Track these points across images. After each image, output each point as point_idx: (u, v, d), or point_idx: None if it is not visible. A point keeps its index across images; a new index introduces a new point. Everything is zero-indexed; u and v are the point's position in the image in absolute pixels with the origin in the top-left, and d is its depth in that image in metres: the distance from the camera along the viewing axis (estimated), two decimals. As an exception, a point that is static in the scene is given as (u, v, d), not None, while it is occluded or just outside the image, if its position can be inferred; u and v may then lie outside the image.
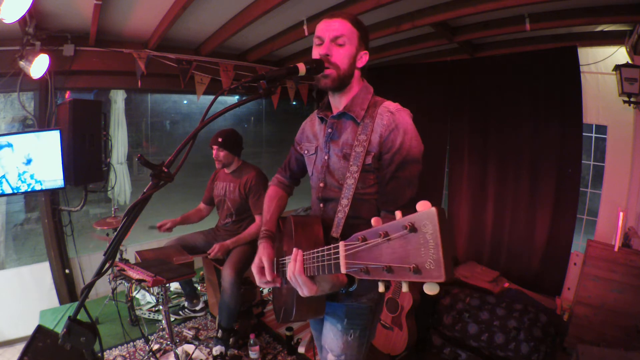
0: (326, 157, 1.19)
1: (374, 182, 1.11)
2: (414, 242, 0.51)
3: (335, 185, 1.16)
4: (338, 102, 1.17)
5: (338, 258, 0.69)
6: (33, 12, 2.19)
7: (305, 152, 1.30)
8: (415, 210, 0.99)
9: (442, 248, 0.47)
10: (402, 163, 1.06)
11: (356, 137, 1.10)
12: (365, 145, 1.08)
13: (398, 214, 0.55)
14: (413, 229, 0.51)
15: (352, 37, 1.09)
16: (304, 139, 1.32)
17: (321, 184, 1.20)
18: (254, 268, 1.18)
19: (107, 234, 2.68)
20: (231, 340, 2.44)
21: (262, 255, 1.17)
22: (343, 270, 0.66)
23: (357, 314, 1.17)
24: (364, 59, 1.13)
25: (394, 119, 1.07)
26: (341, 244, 0.66)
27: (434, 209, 0.48)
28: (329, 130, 1.18)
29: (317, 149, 1.24)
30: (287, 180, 1.45)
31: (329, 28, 1.08)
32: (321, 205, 1.20)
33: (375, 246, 0.58)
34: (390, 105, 1.12)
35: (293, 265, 0.90)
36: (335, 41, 1.08)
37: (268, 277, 1.13)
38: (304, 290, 0.91)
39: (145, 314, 2.79)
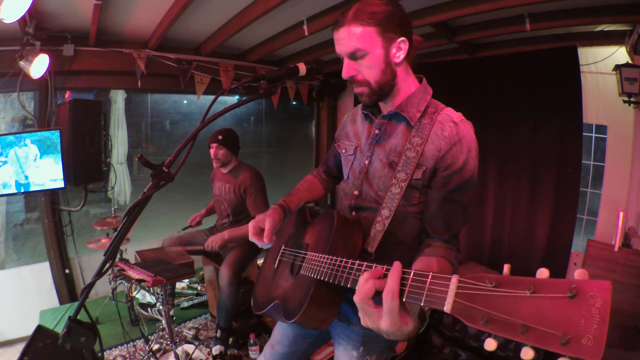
0: (367, 162, 1.04)
1: (418, 201, 0.96)
2: (571, 309, 0.45)
3: (371, 195, 1.02)
4: (389, 104, 1.01)
5: (445, 292, 0.55)
6: (33, 12, 2.19)
7: (343, 151, 1.15)
8: (457, 240, 0.96)
9: (607, 326, 0.42)
10: (462, 185, 0.91)
11: (409, 139, 0.94)
12: (419, 152, 0.92)
13: (544, 271, 0.49)
14: (576, 295, 0.45)
15: (369, 40, 0.88)
16: (343, 136, 1.17)
17: (355, 192, 1.06)
18: (251, 223, 1.08)
19: (107, 234, 2.68)
20: (231, 340, 2.44)
21: (268, 215, 1.07)
22: (447, 309, 0.54)
23: (374, 340, 1.07)
24: (402, 49, 0.92)
25: (457, 131, 0.91)
26: (454, 277, 0.55)
27: (609, 282, 0.44)
28: (376, 131, 1.03)
29: (356, 150, 1.09)
30: (323, 174, 1.35)
31: (340, 44, 0.92)
32: (353, 213, 1.07)
33: (510, 297, 0.49)
34: (452, 113, 0.96)
35: (390, 283, 0.63)
36: (353, 57, 0.91)
37: (265, 240, 1.05)
38: (385, 321, 0.64)
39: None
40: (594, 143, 2.96)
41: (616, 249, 2.29)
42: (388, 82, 0.94)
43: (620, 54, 2.62)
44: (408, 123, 0.97)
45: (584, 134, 2.86)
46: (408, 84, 0.99)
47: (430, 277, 0.60)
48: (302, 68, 1.01)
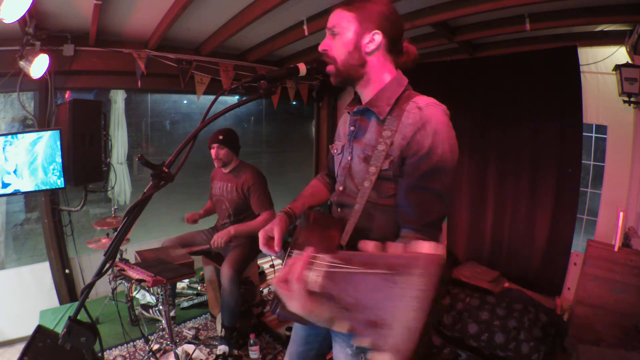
0: (349, 158, 1.08)
1: (393, 192, 0.96)
2: (388, 288, 0.36)
3: (353, 190, 1.04)
4: (364, 96, 1.04)
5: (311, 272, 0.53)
6: (33, 12, 2.19)
7: (334, 151, 1.19)
8: (440, 232, 0.93)
9: (420, 315, 0.33)
10: (431, 171, 0.88)
11: (380, 134, 0.96)
12: (388, 144, 0.93)
13: (369, 244, 0.41)
14: (395, 273, 0.36)
15: (346, 22, 0.96)
16: (336, 137, 1.22)
17: (340, 187, 1.09)
18: (261, 232, 1.08)
19: (107, 234, 2.68)
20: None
21: (275, 224, 1.08)
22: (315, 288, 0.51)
23: None
24: (375, 41, 0.96)
25: (421, 116, 0.90)
26: (328, 256, 0.50)
27: (433, 255, 0.35)
28: (351, 128, 1.08)
29: (343, 148, 1.14)
30: (326, 177, 1.37)
31: (327, 23, 1.01)
32: (339, 210, 1.10)
33: (353, 274, 0.42)
34: (421, 100, 0.94)
35: (296, 266, 0.62)
36: (331, 33, 0.99)
37: (276, 248, 1.04)
38: (294, 304, 0.61)
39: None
40: (594, 143, 2.96)
41: (616, 249, 2.29)
42: (354, 66, 0.98)
43: (620, 54, 2.62)
44: (378, 118, 0.99)
45: (584, 134, 2.86)
46: (381, 78, 1.01)
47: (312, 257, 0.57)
48: (302, 68, 1.00)
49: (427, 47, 3.26)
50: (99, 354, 0.91)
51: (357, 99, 1.10)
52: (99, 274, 0.82)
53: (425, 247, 0.39)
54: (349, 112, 1.11)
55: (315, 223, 0.99)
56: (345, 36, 0.97)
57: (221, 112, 0.90)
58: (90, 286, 0.83)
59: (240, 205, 2.59)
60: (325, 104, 4.77)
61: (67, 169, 2.52)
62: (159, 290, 2.22)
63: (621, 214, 2.34)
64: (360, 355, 1.08)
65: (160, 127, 3.84)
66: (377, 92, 1.00)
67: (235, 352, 2.40)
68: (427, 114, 0.90)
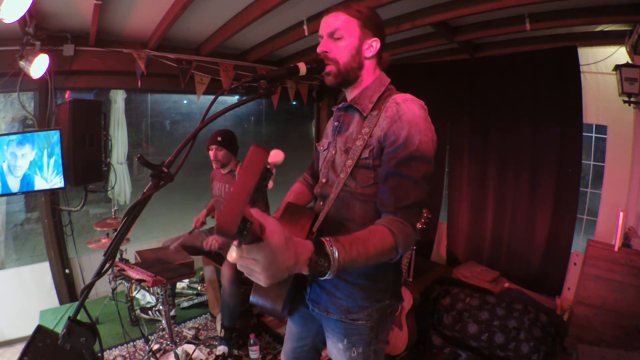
0: (333, 152, 1.13)
1: (373, 181, 1.01)
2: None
3: (334, 181, 1.10)
4: (350, 96, 1.12)
5: None
6: (33, 12, 2.19)
7: (320, 148, 1.24)
8: (419, 217, 0.98)
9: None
10: (407, 159, 0.94)
11: (360, 131, 1.03)
12: (366, 139, 1.00)
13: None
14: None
15: (350, 27, 1.02)
16: (324, 136, 1.27)
17: (323, 180, 1.14)
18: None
19: (107, 234, 2.68)
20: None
21: None
22: None
23: (356, 333, 1.12)
24: (374, 47, 1.04)
25: (397, 109, 0.97)
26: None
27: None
28: (335, 123, 1.15)
29: (329, 144, 1.19)
30: (309, 178, 1.40)
31: (325, 24, 1.04)
32: (320, 203, 1.14)
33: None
34: (399, 96, 1.02)
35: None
36: (332, 36, 1.03)
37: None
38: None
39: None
40: (594, 143, 2.96)
41: (616, 249, 2.29)
42: (354, 68, 1.04)
43: (620, 54, 2.62)
44: (361, 114, 1.06)
45: (584, 134, 2.86)
46: (370, 78, 1.09)
47: None
48: (302, 68, 1.00)
49: (427, 47, 3.26)
50: (99, 354, 0.91)
51: (344, 99, 1.16)
52: (99, 274, 0.82)
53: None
54: (333, 110, 1.18)
55: (286, 213, 1.03)
56: (349, 41, 1.02)
57: (221, 112, 0.90)
58: (90, 286, 0.83)
59: (239, 205, 2.58)
60: (325, 104, 4.76)
61: (67, 169, 2.52)
62: (159, 290, 2.22)
63: (621, 214, 2.34)
64: (352, 349, 1.12)
65: (160, 127, 3.84)
66: (360, 91, 1.07)
67: (235, 352, 2.40)
68: (404, 107, 0.97)
